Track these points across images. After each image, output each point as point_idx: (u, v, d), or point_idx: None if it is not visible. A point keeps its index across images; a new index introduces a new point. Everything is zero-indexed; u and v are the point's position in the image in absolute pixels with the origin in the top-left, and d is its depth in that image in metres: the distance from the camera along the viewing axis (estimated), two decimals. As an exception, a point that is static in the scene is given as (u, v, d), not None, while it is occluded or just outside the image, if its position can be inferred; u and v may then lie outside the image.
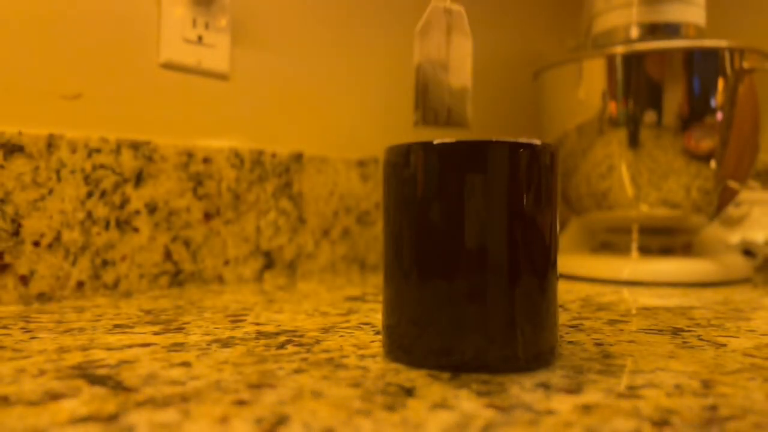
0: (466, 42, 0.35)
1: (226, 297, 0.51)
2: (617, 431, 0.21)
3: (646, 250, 0.68)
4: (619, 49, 0.65)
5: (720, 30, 0.75)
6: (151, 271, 0.54)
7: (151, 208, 0.54)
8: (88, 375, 0.28)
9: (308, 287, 0.58)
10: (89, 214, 0.51)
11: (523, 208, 0.28)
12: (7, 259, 0.46)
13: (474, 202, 0.28)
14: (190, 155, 0.57)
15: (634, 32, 0.69)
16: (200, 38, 0.59)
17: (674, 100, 0.63)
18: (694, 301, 0.52)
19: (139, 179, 0.54)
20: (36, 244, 0.48)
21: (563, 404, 0.24)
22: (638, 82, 0.64)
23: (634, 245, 0.68)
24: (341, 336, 0.36)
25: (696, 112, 0.63)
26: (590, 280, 0.66)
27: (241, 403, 0.24)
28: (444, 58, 0.35)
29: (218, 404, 0.24)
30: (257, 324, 0.40)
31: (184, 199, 0.56)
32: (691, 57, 0.63)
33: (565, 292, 0.57)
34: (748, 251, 0.77)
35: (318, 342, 0.35)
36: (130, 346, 0.33)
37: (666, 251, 0.68)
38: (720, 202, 0.67)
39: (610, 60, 0.65)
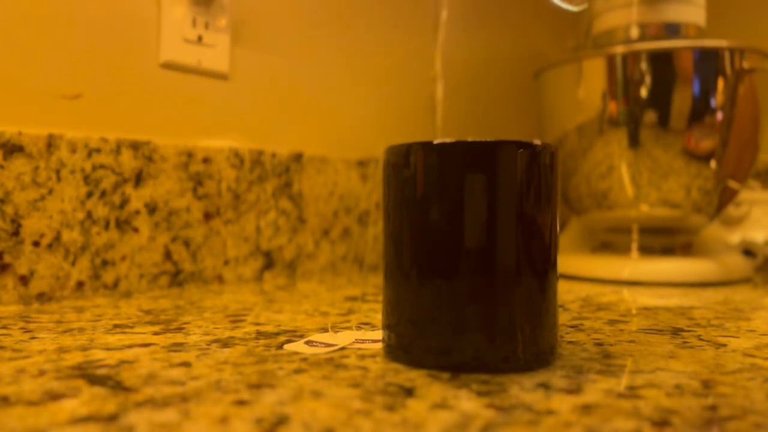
0: None
1: (226, 297, 0.51)
2: (617, 431, 0.21)
3: (646, 250, 0.68)
4: (619, 49, 0.65)
5: (720, 30, 0.75)
6: (151, 271, 0.54)
7: (151, 208, 0.54)
8: (88, 375, 0.28)
9: (308, 287, 0.58)
10: (89, 214, 0.51)
11: (523, 208, 0.28)
12: (7, 259, 0.46)
13: (474, 202, 0.28)
14: (190, 155, 0.57)
15: (634, 32, 0.68)
16: (200, 38, 0.59)
17: (674, 100, 0.63)
18: (694, 301, 0.52)
19: (139, 179, 0.54)
20: (36, 244, 0.48)
21: (563, 404, 0.24)
22: (638, 82, 0.64)
23: (634, 245, 0.68)
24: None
25: (696, 112, 0.63)
26: (590, 280, 0.66)
27: (241, 403, 0.24)
28: None
29: (218, 404, 0.24)
30: (257, 324, 0.40)
31: (184, 199, 0.56)
32: (691, 57, 0.63)
33: (565, 292, 0.57)
34: (748, 251, 0.77)
35: (318, 342, 0.35)
36: (130, 346, 0.33)
37: (666, 251, 0.68)
38: (720, 202, 0.67)
39: (610, 60, 0.65)
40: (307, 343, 0.34)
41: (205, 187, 0.58)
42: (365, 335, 0.36)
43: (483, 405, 0.24)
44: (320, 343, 0.34)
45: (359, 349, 0.33)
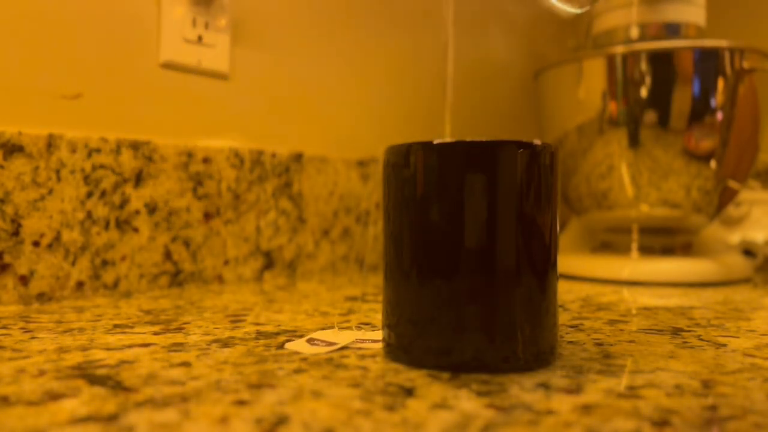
0: None
1: (226, 297, 0.51)
2: (617, 431, 0.21)
3: (646, 250, 0.68)
4: (619, 49, 0.65)
5: (720, 30, 0.75)
6: (151, 271, 0.54)
7: (151, 208, 0.54)
8: (88, 375, 0.28)
9: (308, 287, 0.58)
10: (89, 214, 0.51)
11: (523, 208, 0.28)
12: (7, 259, 0.46)
13: (474, 202, 0.28)
14: (190, 155, 0.57)
15: (634, 32, 0.68)
16: (200, 38, 0.59)
17: (674, 100, 0.63)
18: (694, 301, 0.52)
19: (139, 179, 0.54)
20: (36, 244, 0.48)
21: (563, 404, 0.24)
22: (638, 82, 0.64)
23: (634, 245, 0.68)
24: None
25: (696, 112, 0.63)
26: (590, 280, 0.66)
27: (241, 403, 0.24)
28: None
29: (218, 404, 0.24)
30: (257, 324, 0.40)
31: (184, 199, 0.56)
32: (691, 57, 0.63)
33: (565, 292, 0.57)
34: (748, 251, 0.77)
35: (318, 342, 0.35)
36: (130, 346, 0.33)
37: (666, 251, 0.68)
38: (720, 202, 0.67)
39: (610, 60, 0.65)
40: (308, 341, 0.34)
41: (205, 187, 0.58)
42: (365, 335, 0.36)
43: (483, 405, 0.24)
44: (322, 341, 0.34)
45: (359, 349, 0.33)
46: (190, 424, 0.22)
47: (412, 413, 0.23)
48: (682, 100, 0.63)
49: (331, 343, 0.34)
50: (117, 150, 0.52)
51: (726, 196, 0.67)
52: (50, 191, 0.48)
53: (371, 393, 0.25)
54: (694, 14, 0.69)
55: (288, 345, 0.33)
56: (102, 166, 0.51)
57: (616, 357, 0.32)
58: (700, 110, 0.63)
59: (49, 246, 0.48)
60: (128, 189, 0.53)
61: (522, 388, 0.26)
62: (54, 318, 0.41)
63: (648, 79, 0.64)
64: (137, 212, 0.53)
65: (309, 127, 0.69)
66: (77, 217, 0.50)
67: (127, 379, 0.27)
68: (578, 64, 0.68)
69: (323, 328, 0.38)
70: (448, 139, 0.29)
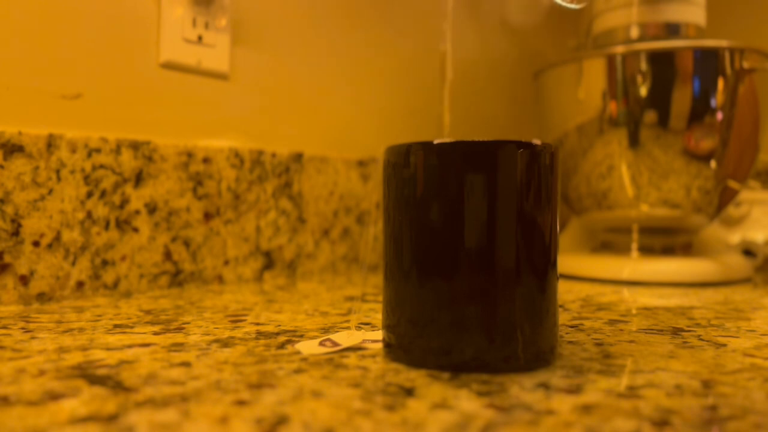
0: None
1: (226, 297, 0.51)
2: (617, 431, 0.21)
3: (646, 250, 0.68)
4: (619, 49, 0.65)
5: (720, 30, 0.75)
6: (151, 271, 0.54)
7: (151, 208, 0.54)
8: (88, 375, 0.28)
9: (308, 287, 0.58)
10: (89, 214, 0.51)
11: (523, 208, 0.28)
12: (7, 259, 0.46)
13: (474, 202, 0.28)
14: (190, 155, 0.57)
15: (634, 32, 0.68)
16: (200, 38, 0.59)
17: (674, 100, 0.63)
18: (694, 301, 0.52)
19: (139, 179, 0.54)
20: (36, 244, 0.48)
21: (563, 404, 0.24)
22: (638, 82, 0.64)
23: (634, 245, 0.68)
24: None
25: (696, 112, 0.63)
26: (590, 280, 0.66)
27: (241, 403, 0.24)
28: None
29: (218, 404, 0.24)
30: (257, 324, 0.40)
31: (184, 199, 0.56)
32: (691, 57, 0.63)
33: (565, 292, 0.57)
34: (748, 251, 0.77)
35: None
36: (130, 346, 0.33)
37: (666, 251, 0.68)
38: (720, 202, 0.67)
39: (610, 60, 0.65)
40: (321, 344, 0.34)
41: (205, 187, 0.58)
42: (365, 335, 0.36)
43: (483, 405, 0.24)
44: (333, 342, 0.34)
45: (359, 349, 0.33)
46: (190, 424, 0.22)
47: (412, 413, 0.23)
48: (682, 100, 0.63)
49: (336, 344, 0.34)
50: (117, 150, 0.52)
51: (726, 196, 0.67)
52: (50, 191, 0.48)
53: (371, 393, 0.25)
54: (694, 14, 0.69)
55: (297, 346, 0.33)
56: (102, 166, 0.51)
57: (616, 357, 0.32)
58: (700, 110, 0.63)
59: (49, 246, 0.48)
60: (128, 189, 0.53)
61: (522, 388, 0.26)
62: (54, 318, 0.41)
63: (648, 79, 0.64)
64: (137, 212, 0.53)
65: (309, 127, 0.69)
66: (77, 217, 0.50)
67: (127, 379, 0.27)
68: (578, 64, 0.68)
69: (322, 330, 0.38)
70: (448, 139, 0.29)
